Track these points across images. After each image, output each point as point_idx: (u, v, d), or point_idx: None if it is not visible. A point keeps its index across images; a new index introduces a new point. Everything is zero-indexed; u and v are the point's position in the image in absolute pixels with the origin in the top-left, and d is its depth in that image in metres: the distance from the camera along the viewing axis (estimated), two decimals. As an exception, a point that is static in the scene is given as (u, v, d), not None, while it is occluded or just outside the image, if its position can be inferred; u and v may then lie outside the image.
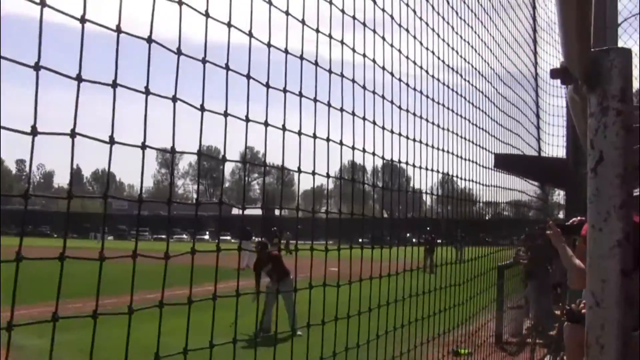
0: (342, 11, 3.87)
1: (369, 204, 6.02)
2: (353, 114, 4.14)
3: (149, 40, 2.54)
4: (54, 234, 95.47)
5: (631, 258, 2.43)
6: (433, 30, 5.50)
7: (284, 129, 3.37)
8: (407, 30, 4.90)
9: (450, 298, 6.46)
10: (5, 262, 2.00)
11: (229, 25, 2.96)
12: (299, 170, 3.56)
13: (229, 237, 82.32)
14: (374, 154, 4.42)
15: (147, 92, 2.52)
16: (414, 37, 5.06)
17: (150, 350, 2.64)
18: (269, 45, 3.24)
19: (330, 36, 3.80)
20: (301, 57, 3.55)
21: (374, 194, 5.83)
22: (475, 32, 7.01)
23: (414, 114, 5.21)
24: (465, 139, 6.70)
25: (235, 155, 3.29)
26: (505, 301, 13.83)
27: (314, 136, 3.68)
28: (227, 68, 2.95)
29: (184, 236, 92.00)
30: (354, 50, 4.07)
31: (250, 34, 3.11)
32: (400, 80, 4.88)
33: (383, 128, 4.56)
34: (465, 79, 6.71)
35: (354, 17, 4.03)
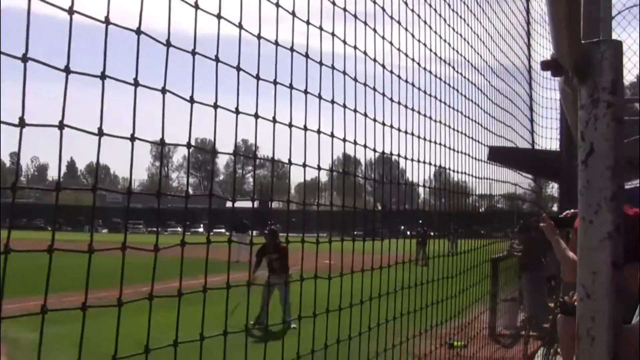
0: (333, 3, 3.86)
1: (363, 196, 6.01)
2: (344, 106, 4.13)
3: (138, 32, 2.53)
4: (47, 227, 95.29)
5: (622, 250, 2.43)
6: (425, 22, 5.49)
7: (274, 121, 3.36)
8: (399, 23, 4.89)
9: (443, 290, 6.46)
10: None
11: (219, 17, 2.95)
12: (290, 163, 3.55)
13: (223, 230, 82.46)
14: (365, 146, 4.41)
15: (136, 84, 2.51)
16: (406, 29, 5.05)
17: (151, 343, 2.64)
18: (259, 37, 3.23)
19: (321, 28, 3.78)
20: (291, 49, 3.54)
21: (365, 186, 5.82)
22: (468, 25, 6.99)
23: (406, 107, 5.20)
24: (458, 131, 6.69)
25: (229, 148, 3.28)
26: (499, 294, 13.86)
27: (305, 128, 3.67)
28: (217, 60, 2.94)
29: (179, 229, 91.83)
30: (345, 42, 4.06)
31: (240, 26, 3.10)
32: (392, 72, 4.86)
33: (374, 120, 4.55)
34: (457, 72, 6.70)
35: (344, 9, 4.01)
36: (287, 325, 13.62)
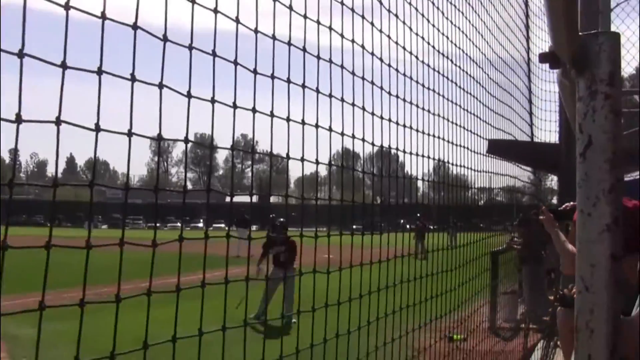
0: (331, -4, 3.85)
1: (362, 190, 6.01)
2: (342, 100, 4.12)
3: (135, 27, 2.52)
4: (47, 223, 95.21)
5: (621, 243, 2.42)
6: (423, 15, 5.48)
7: (272, 115, 3.36)
8: (397, 16, 4.87)
9: (443, 284, 6.46)
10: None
11: (216, 11, 2.94)
12: (288, 157, 3.55)
13: (223, 225, 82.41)
14: (363, 140, 4.41)
15: (133, 79, 2.51)
16: (404, 22, 5.04)
17: (151, 338, 2.64)
18: (256, 31, 3.22)
19: (318, 22, 3.77)
20: (289, 44, 3.53)
21: (364, 180, 5.82)
22: (466, 17, 6.98)
23: (404, 100, 5.19)
24: (457, 124, 6.68)
25: (228, 142, 3.27)
26: (499, 287, 13.87)
27: (303, 122, 3.67)
28: (214, 55, 2.94)
29: (178, 224, 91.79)
30: (342, 36, 4.05)
31: (237, 21, 3.09)
32: (390, 66, 4.85)
33: (373, 114, 4.54)
34: (456, 65, 6.69)
35: (342, 3, 4.00)
36: (287, 320, 13.67)
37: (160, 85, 2.64)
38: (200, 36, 2.77)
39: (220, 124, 3.01)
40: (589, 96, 2.43)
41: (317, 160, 3.80)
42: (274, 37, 3.36)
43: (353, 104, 4.26)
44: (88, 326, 2.35)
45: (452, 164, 6.74)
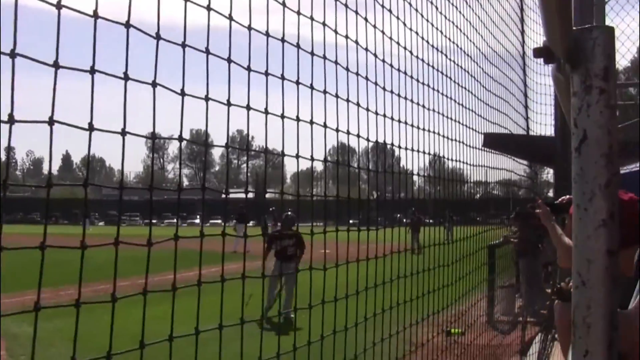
0: (324, -8, 3.84)
1: (357, 185, 6.01)
2: (337, 96, 4.12)
3: (127, 25, 2.51)
4: (43, 221, 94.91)
5: (617, 237, 2.42)
6: (416, 10, 5.46)
7: (266, 112, 3.35)
8: (390, 11, 4.86)
9: (440, 278, 6.46)
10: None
11: (209, 8, 2.93)
12: (282, 154, 3.55)
13: (219, 221, 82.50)
14: (358, 135, 4.40)
15: (126, 77, 2.50)
16: (397, 17, 5.02)
17: (149, 336, 2.64)
18: (249, 28, 3.21)
19: (312, 18, 3.76)
20: (282, 40, 3.52)
21: (360, 175, 5.81)
22: (460, 12, 6.97)
23: (399, 95, 5.18)
24: (452, 119, 6.68)
25: (224, 138, 3.26)
26: (496, 280, 13.88)
27: (297, 119, 3.66)
28: (207, 52, 2.93)
29: (175, 220, 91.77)
30: (336, 32, 4.03)
31: (230, 17, 3.08)
32: (384, 61, 4.84)
33: (367, 110, 4.54)
34: (451, 59, 6.68)
35: (335, -1, 3.99)
36: (285, 315, 13.68)
37: (154, 84, 2.63)
38: (193, 33, 2.76)
39: (215, 120, 3.00)
40: (584, 91, 2.42)
41: (312, 156, 3.80)
42: (267, 34, 3.36)
43: (348, 100, 4.25)
44: (85, 323, 2.35)
45: (448, 159, 6.74)
